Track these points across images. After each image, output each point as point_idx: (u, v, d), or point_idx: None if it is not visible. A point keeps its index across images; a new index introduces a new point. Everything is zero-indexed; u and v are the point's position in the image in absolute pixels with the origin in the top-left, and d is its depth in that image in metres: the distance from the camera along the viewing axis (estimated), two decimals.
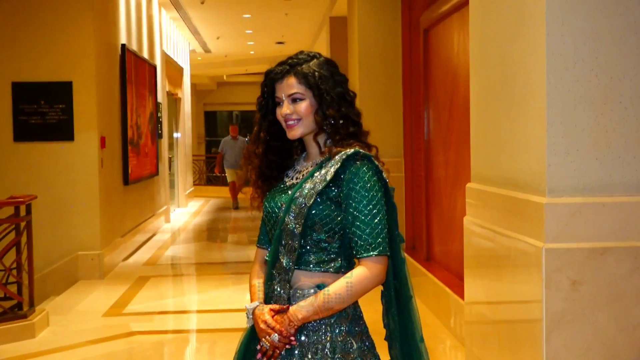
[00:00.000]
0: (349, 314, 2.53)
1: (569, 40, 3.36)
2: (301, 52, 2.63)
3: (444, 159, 7.20)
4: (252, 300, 2.60)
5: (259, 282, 2.63)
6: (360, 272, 2.44)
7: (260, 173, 2.67)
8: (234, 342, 6.14)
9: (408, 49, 8.65)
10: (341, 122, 2.56)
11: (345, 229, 2.49)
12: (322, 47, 15.03)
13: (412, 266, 7.86)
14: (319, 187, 2.47)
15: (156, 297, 8.31)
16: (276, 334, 2.44)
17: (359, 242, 2.45)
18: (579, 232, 3.32)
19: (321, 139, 2.59)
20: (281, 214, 2.52)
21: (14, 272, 6.70)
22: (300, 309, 2.43)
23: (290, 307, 2.46)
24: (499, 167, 4.01)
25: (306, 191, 2.48)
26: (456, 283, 6.35)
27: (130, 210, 11.05)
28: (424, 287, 7.26)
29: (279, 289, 2.52)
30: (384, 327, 2.65)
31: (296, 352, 2.49)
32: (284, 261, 2.50)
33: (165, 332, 6.98)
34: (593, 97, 3.37)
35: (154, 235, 12.97)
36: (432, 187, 7.76)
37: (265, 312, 2.48)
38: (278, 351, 2.46)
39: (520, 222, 3.60)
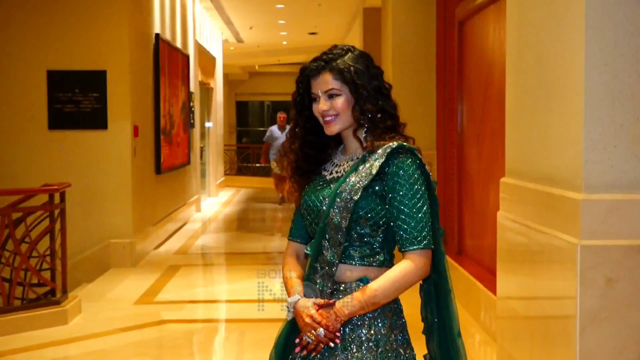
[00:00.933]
0: (392, 308, 2.52)
1: (609, 35, 3.31)
2: (335, 47, 2.60)
3: (477, 152, 7.15)
4: (289, 293, 2.58)
5: (295, 275, 2.62)
6: (405, 266, 2.43)
7: (298, 167, 2.66)
8: (263, 332, 6.11)
9: (442, 41, 8.59)
10: (379, 116, 2.55)
11: (389, 223, 2.49)
12: (355, 39, 14.97)
13: None
14: (365, 181, 2.46)
15: (187, 286, 8.34)
16: (322, 329, 2.43)
17: (404, 235, 2.44)
18: (615, 230, 3.29)
19: (360, 133, 2.57)
20: (324, 208, 2.51)
21: (48, 258, 6.76)
22: (347, 304, 2.42)
23: (337, 302, 2.44)
24: (535, 162, 3.97)
25: (351, 185, 2.47)
26: (487, 278, 6.30)
27: (161, 199, 11.09)
28: (455, 281, 7.12)
29: (321, 283, 2.52)
30: (422, 320, 2.65)
31: (339, 345, 2.47)
32: (328, 255, 2.50)
33: (195, 321, 7.00)
34: (632, 93, 3.33)
35: (185, 224, 13.01)
36: (465, 181, 7.71)
37: (310, 306, 2.46)
38: (322, 345, 2.45)
39: (556, 218, 3.56)
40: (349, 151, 2.62)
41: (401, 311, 2.58)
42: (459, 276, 7.09)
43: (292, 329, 2.56)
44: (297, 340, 2.50)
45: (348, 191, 2.46)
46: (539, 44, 3.91)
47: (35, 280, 6.70)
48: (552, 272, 3.60)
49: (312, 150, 2.66)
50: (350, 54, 2.56)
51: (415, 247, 2.43)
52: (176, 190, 12.43)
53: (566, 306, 3.38)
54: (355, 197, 2.45)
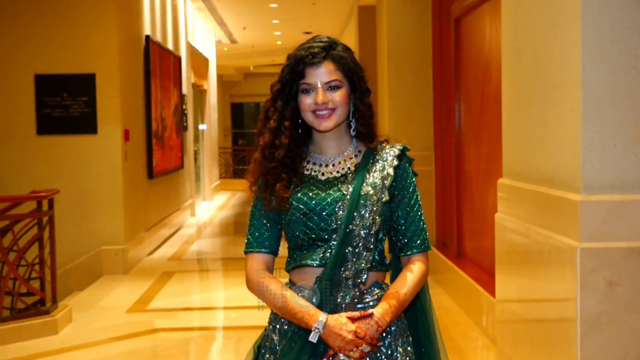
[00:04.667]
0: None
1: (606, 31, 3.23)
2: (318, 37, 2.46)
3: (476, 152, 7.05)
4: (301, 314, 2.32)
5: (291, 293, 2.37)
6: (420, 268, 2.43)
7: (284, 165, 2.44)
8: None
9: (438, 39, 8.49)
10: (369, 112, 2.46)
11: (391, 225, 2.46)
12: (351, 37, 14.89)
13: (443, 262, 7.72)
14: (387, 182, 2.40)
15: (181, 293, 8.22)
16: (366, 344, 2.28)
17: (413, 238, 2.44)
18: (615, 231, 3.22)
19: (348, 130, 2.48)
20: (341, 212, 2.36)
21: (37, 267, 6.65)
22: (388, 312, 2.32)
23: (376, 311, 2.31)
24: (532, 163, 3.88)
25: (373, 186, 2.38)
26: (488, 280, 6.21)
27: (154, 204, 10.99)
28: (455, 284, 7.13)
29: (346, 295, 2.36)
30: None
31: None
32: (357, 262, 2.36)
33: (190, 329, 6.88)
34: (631, 90, 3.25)
35: (179, 229, 12.92)
36: (463, 182, 7.61)
37: (347, 322, 2.28)
38: None
39: (555, 220, 3.48)
40: (333, 149, 2.47)
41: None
42: (458, 279, 7.00)
43: (306, 350, 2.34)
44: None
45: (372, 193, 2.37)
46: (535, 41, 3.81)
47: (24, 290, 6.59)
48: (551, 274, 3.52)
49: (294, 145, 2.46)
50: (339, 45, 2.44)
51: (424, 249, 2.45)
52: (169, 194, 12.33)
53: (566, 309, 3.30)
54: (385, 198, 2.38)
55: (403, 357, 2.41)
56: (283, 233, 2.48)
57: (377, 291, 2.41)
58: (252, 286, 2.44)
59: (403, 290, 2.36)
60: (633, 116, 3.25)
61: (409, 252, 2.44)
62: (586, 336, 3.18)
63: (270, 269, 2.46)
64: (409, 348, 2.44)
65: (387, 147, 2.46)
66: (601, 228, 3.20)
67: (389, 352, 2.40)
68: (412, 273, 2.40)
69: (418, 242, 2.44)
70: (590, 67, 3.22)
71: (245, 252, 2.48)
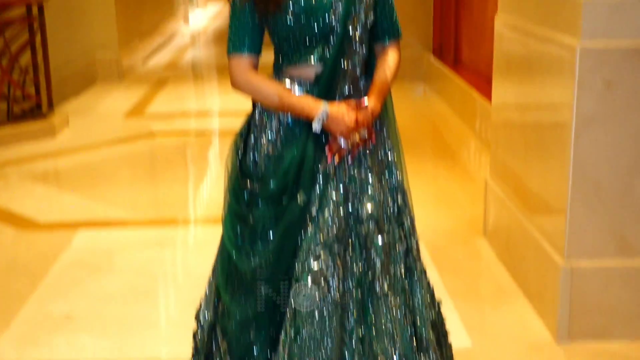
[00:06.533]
0: None
1: None
2: None
3: None
4: (302, 104, 2.33)
5: (285, 88, 2.38)
6: (396, 56, 2.51)
7: None
8: None
9: None
10: None
11: None
12: None
13: (438, 70, 7.69)
14: None
15: (176, 99, 8.21)
16: (364, 130, 2.36)
17: (388, 28, 2.49)
18: (617, 29, 3.14)
19: None
20: (339, 11, 2.34)
21: (31, 74, 6.57)
22: (377, 102, 2.39)
23: (369, 100, 2.37)
24: None
25: None
26: (484, 87, 6.19)
27: (148, 10, 10.75)
28: (450, 90, 7.12)
29: (344, 88, 2.40)
30: None
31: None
32: (355, 56, 2.40)
33: (187, 133, 6.93)
34: None
35: (173, 36, 12.71)
36: None
37: (349, 109, 2.33)
38: (359, 148, 2.39)
39: (556, 19, 3.42)
40: None
41: None
42: (454, 86, 6.99)
43: (306, 144, 2.38)
44: (327, 148, 2.36)
45: None
46: None
47: (19, 94, 6.54)
48: (550, 78, 3.50)
49: None
50: None
51: (398, 36, 2.52)
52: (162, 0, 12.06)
53: (562, 112, 3.30)
54: None
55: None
56: (268, 34, 2.44)
57: (366, 81, 2.46)
58: (241, 85, 2.41)
59: (386, 79, 2.45)
60: None
61: (385, 39, 2.50)
62: (580, 137, 3.18)
63: (256, 68, 2.43)
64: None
65: None
66: (603, 26, 3.14)
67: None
68: (391, 61, 2.49)
69: (392, 31, 2.50)
70: None
71: (229, 53, 2.41)
